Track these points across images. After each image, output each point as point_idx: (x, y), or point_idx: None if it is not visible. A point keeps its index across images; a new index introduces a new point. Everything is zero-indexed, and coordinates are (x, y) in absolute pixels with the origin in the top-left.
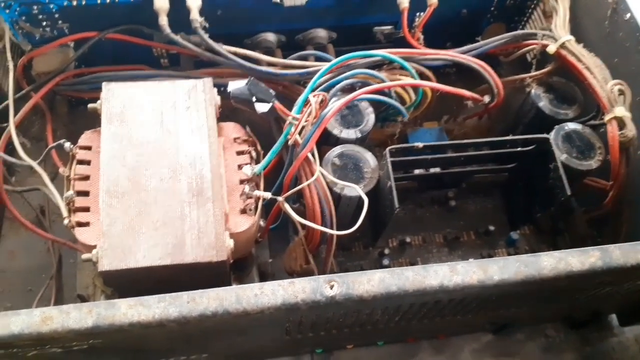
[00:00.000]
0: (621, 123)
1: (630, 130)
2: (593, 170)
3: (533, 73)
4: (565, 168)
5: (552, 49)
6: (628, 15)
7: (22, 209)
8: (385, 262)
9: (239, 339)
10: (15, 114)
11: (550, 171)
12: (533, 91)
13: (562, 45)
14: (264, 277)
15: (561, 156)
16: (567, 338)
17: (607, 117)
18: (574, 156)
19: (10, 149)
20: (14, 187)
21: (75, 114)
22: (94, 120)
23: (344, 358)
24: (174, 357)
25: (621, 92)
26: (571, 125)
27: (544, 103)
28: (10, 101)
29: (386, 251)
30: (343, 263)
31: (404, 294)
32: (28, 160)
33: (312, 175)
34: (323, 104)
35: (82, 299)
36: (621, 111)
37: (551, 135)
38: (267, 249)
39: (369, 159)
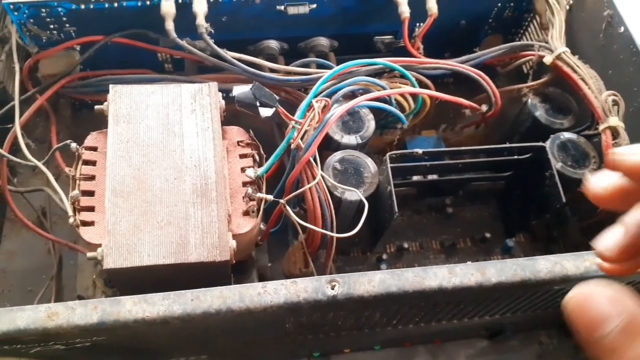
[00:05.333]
0: (615, 133)
1: (624, 139)
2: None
3: (529, 83)
4: (560, 176)
5: (548, 60)
6: (622, 28)
7: (23, 210)
8: (383, 267)
9: (238, 339)
10: (20, 115)
11: (545, 179)
12: (529, 101)
13: (558, 57)
14: (263, 281)
15: (556, 164)
16: (561, 345)
17: (601, 127)
18: (569, 165)
19: (13, 149)
20: (17, 187)
21: (79, 117)
22: (96, 124)
23: None
24: (174, 357)
25: (615, 103)
26: (566, 135)
27: (540, 113)
28: (16, 103)
29: (384, 256)
30: (342, 268)
31: (403, 294)
32: (34, 161)
33: (314, 179)
34: (326, 109)
35: (82, 300)
36: (615, 121)
37: (547, 144)
38: (266, 253)
39: (370, 164)
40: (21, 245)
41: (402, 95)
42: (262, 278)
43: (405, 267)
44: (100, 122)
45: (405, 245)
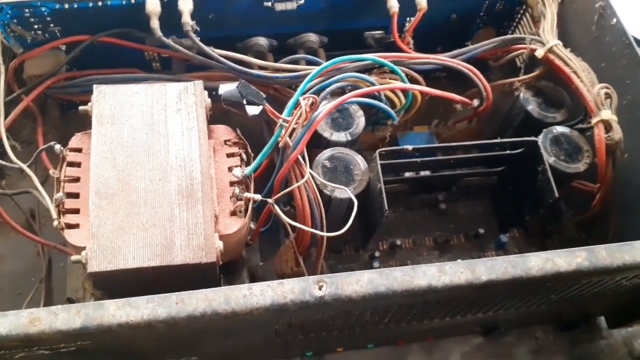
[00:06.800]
0: (608, 126)
1: (617, 133)
2: (581, 173)
3: (521, 77)
4: (553, 171)
5: (540, 53)
6: (614, 20)
7: (12, 213)
8: (376, 264)
9: (228, 341)
10: (6, 117)
11: (538, 174)
12: (521, 95)
13: (550, 50)
14: (254, 280)
15: (549, 159)
16: (557, 340)
17: (594, 121)
18: (562, 159)
19: (0, 152)
20: (4, 190)
21: (67, 117)
22: (85, 124)
23: None
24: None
25: (608, 96)
26: (559, 129)
27: (532, 107)
28: (1, 104)
29: (377, 254)
30: (334, 266)
31: (392, 294)
32: (18, 163)
33: (303, 177)
34: (313, 106)
35: (72, 302)
36: (608, 114)
37: (539, 138)
38: (257, 252)
39: (359, 161)
40: (10, 248)
41: (392, 91)
42: (253, 277)
43: (398, 264)
44: (90, 122)
45: (398, 242)
